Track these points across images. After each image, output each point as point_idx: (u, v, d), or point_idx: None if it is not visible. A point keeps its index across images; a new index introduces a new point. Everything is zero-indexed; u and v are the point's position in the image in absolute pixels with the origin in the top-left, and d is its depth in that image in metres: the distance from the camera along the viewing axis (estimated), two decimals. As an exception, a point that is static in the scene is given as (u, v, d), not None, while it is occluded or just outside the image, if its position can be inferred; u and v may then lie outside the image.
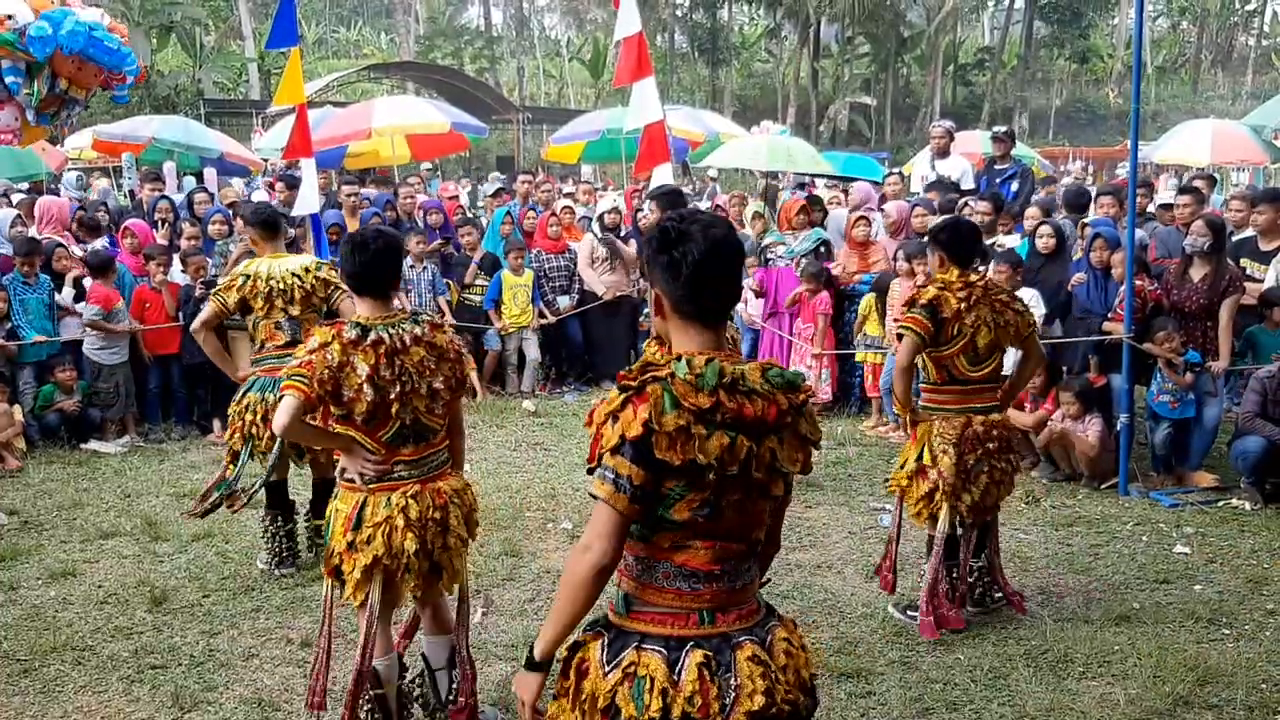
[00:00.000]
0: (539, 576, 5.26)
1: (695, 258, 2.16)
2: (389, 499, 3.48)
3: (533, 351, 9.78)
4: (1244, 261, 7.26)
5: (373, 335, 3.43)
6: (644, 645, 2.21)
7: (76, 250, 8.72)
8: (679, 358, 2.18)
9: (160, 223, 9.56)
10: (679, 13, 40.66)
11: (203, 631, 4.76)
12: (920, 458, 4.66)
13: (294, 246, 8.73)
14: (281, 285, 5.19)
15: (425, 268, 9.47)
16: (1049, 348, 7.23)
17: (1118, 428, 6.59)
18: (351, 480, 3.53)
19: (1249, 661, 4.30)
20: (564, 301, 9.96)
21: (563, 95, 44.37)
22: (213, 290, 5.43)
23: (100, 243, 9.04)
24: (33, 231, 9.16)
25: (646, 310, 10.28)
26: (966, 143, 13.99)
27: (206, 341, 5.28)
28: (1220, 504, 6.37)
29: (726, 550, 2.23)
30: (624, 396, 2.15)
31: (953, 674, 4.27)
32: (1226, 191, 14.02)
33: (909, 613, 4.76)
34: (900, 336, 4.60)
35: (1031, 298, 7.19)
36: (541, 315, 9.82)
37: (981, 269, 5.85)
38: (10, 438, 7.54)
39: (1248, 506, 6.30)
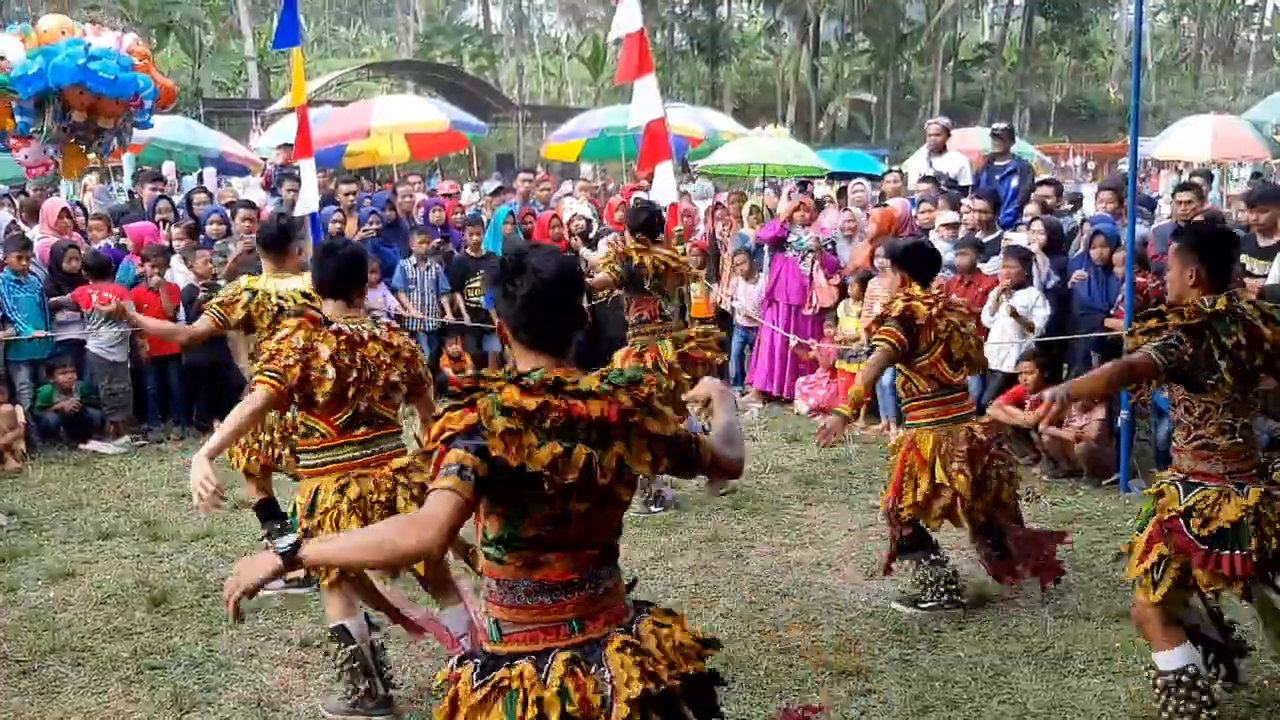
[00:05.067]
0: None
1: (526, 291, 2.26)
2: (338, 485, 3.73)
3: (535, 350, 9.74)
4: (1244, 258, 7.23)
5: (334, 326, 3.73)
6: (515, 662, 2.24)
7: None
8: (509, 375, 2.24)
9: (162, 223, 9.56)
10: (678, 10, 40.59)
11: (202, 632, 4.76)
12: (933, 478, 4.63)
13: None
14: (284, 306, 5.00)
15: (429, 266, 9.44)
16: (1051, 345, 7.25)
17: (1118, 424, 6.58)
18: (310, 465, 3.77)
19: (1251, 658, 4.29)
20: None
21: (562, 93, 44.33)
22: (209, 304, 5.12)
23: (103, 242, 9.04)
24: (36, 231, 9.14)
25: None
26: (966, 140, 13.95)
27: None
28: (1221, 500, 6.35)
29: (580, 558, 2.27)
30: (450, 406, 2.19)
31: (953, 671, 4.26)
32: (1228, 187, 13.99)
33: (917, 606, 4.80)
34: (873, 349, 4.72)
35: (1035, 298, 7.18)
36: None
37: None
38: (12, 440, 7.53)
39: (1249, 503, 6.27)
